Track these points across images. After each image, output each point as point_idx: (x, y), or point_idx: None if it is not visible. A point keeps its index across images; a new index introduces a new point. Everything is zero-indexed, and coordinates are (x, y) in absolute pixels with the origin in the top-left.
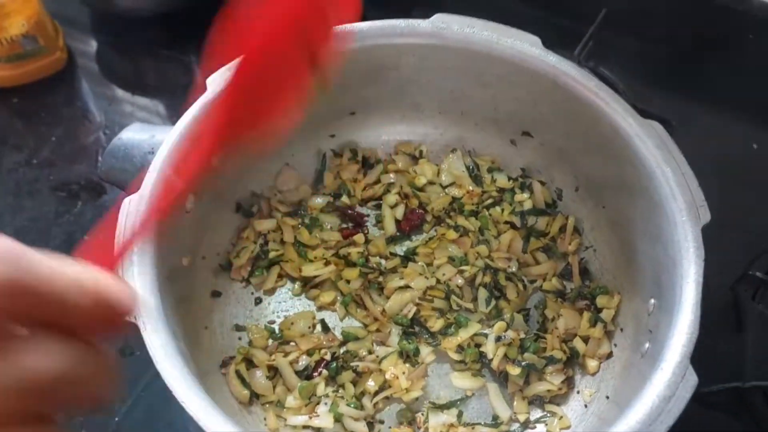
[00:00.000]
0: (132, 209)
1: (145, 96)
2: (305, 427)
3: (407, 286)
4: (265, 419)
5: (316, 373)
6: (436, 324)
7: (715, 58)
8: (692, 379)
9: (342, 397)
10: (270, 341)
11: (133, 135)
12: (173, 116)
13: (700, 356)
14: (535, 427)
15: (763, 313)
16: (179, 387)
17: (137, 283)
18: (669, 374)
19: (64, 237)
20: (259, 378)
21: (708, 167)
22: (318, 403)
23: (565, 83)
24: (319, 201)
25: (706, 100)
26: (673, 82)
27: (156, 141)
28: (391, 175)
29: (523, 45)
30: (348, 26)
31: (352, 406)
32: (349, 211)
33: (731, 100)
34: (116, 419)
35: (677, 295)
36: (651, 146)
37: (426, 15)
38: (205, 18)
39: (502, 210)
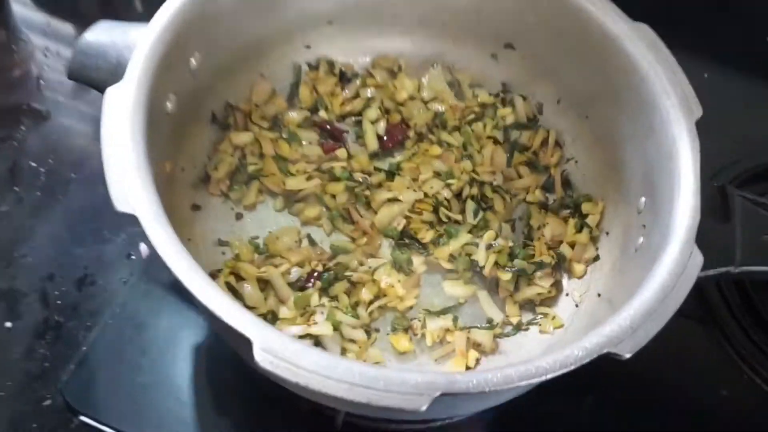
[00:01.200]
0: (116, 101)
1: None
2: (302, 336)
3: (396, 199)
4: None
5: (309, 284)
6: (426, 235)
7: None
8: (698, 258)
9: (337, 308)
10: (256, 256)
11: (102, 32)
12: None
13: None
14: (528, 329)
15: (748, 202)
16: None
17: (134, 178)
18: (677, 253)
19: (8, 164)
20: (250, 290)
21: None
22: (313, 314)
23: None
24: (295, 115)
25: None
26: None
27: (132, 38)
28: (370, 90)
29: None
30: None
31: (349, 314)
32: (328, 127)
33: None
34: (83, 348)
35: (675, 187)
36: (642, 48)
37: None
38: None
39: (485, 125)
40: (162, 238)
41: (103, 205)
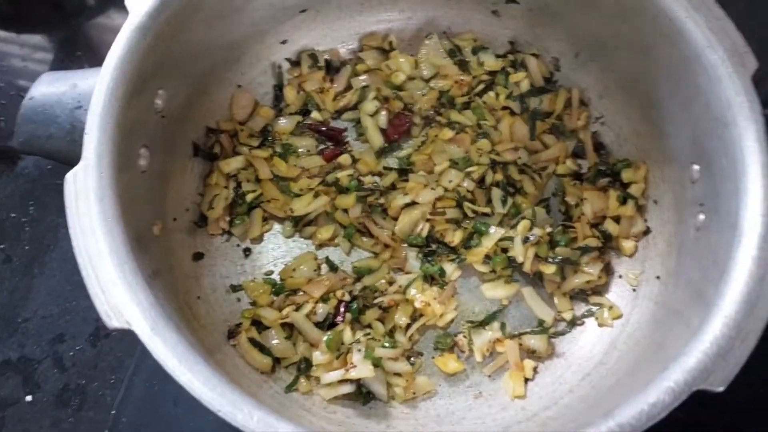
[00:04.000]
0: (78, 187)
1: (32, 33)
2: (342, 381)
3: (413, 203)
4: (293, 385)
5: (338, 319)
6: (455, 237)
7: None
8: None
9: (373, 339)
10: (274, 296)
11: (48, 89)
12: (76, 51)
13: None
14: (584, 323)
15: None
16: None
17: (120, 284)
18: (754, 251)
19: None
20: (276, 342)
21: None
22: (348, 352)
23: None
24: (285, 123)
25: None
26: None
27: (81, 91)
28: (363, 77)
29: None
30: None
31: (387, 345)
32: (324, 129)
33: None
34: (113, 412)
35: (737, 159)
36: None
37: None
38: None
39: (497, 95)
40: (163, 353)
41: None
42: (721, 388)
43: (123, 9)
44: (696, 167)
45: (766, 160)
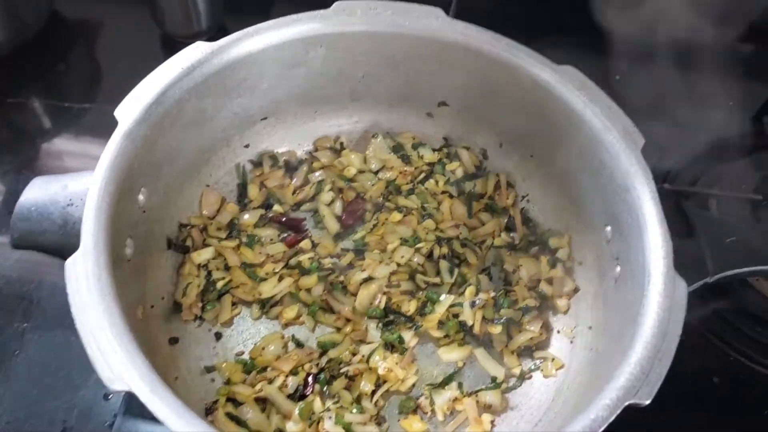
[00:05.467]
0: (81, 270)
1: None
2: None
3: (370, 278)
4: None
5: (308, 390)
6: (410, 307)
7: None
8: (682, 284)
9: (342, 407)
10: (246, 374)
11: (39, 191)
12: (35, 165)
13: None
14: (531, 377)
15: (704, 212)
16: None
17: (119, 352)
18: (661, 285)
19: None
20: (251, 415)
21: None
22: (320, 420)
23: (477, 48)
24: (249, 217)
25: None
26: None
27: (72, 191)
28: (318, 173)
29: (428, 18)
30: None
31: (356, 411)
32: (284, 219)
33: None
34: None
35: (639, 216)
36: (574, 90)
37: (285, 12)
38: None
39: (437, 182)
40: (162, 409)
41: (66, 349)
42: (647, 401)
43: (78, 134)
44: (609, 228)
45: (660, 214)
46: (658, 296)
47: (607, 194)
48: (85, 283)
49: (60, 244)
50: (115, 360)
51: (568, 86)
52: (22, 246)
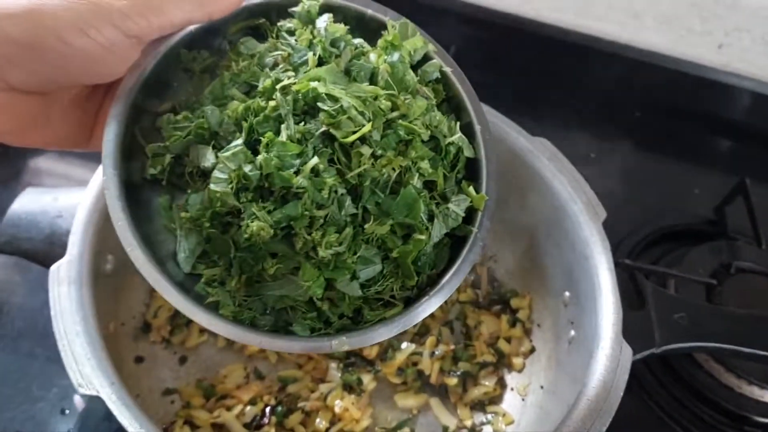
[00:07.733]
0: (64, 276)
1: None
2: None
3: None
4: None
5: (264, 421)
6: (372, 351)
7: (554, 85)
8: (628, 351)
9: None
10: (205, 399)
11: (31, 201)
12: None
13: None
14: (482, 430)
15: (658, 287)
16: None
17: (91, 358)
18: (608, 349)
19: None
20: None
21: None
22: None
23: None
24: None
25: (548, 122)
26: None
27: (62, 205)
28: None
29: None
30: None
31: None
32: None
33: (570, 120)
34: None
35: (595, 284)
36: (545, 160)
37: None
38: None
39: None
40: (126, 417)
41: (29, 361)
42: None
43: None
44: (567, 294)
45: (614, 284)
46: (605, 359)
47: (568, 261)
48: (67, 289)
49: (44, 252)
50: (86, 365)
51: (539, 156)
52: (6, 251)
